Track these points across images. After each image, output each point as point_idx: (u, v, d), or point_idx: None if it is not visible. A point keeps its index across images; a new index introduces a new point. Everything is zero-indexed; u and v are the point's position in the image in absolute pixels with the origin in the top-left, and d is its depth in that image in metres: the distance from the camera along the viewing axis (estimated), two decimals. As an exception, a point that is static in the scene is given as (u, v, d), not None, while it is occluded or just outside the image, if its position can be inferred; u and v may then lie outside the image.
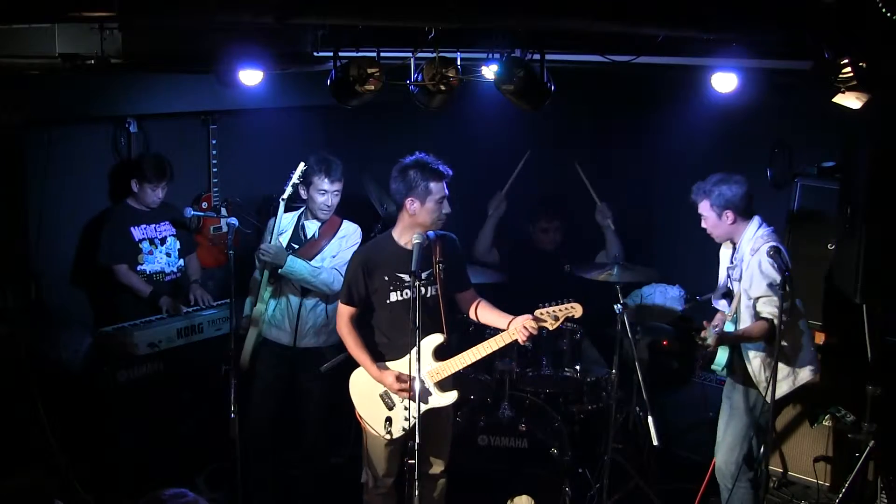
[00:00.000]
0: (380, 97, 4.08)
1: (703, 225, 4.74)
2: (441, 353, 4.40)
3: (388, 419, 4.42)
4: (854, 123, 4.02)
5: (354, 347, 4.44)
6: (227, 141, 6.01)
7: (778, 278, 4.36)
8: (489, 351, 4.36)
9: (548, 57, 4.00)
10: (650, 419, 4.70)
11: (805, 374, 4.60)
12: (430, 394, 4.37)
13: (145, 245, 5.44)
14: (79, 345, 5.07)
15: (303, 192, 5.06)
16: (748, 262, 4.51)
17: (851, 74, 3.52)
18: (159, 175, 5.35)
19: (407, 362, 4.31)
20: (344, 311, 4.46)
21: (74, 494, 4.74)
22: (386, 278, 4.38)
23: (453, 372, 4.40)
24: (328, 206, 5.05)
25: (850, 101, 3.72)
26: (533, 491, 4.95)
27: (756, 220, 4.62)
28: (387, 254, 4.40)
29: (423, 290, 4.15)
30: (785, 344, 4.44)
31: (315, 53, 4.17)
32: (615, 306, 4.96)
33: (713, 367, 4.76)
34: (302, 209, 5.17)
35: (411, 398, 4.14)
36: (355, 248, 5.05)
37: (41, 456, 4.69)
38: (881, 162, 3.98)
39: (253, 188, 6.14)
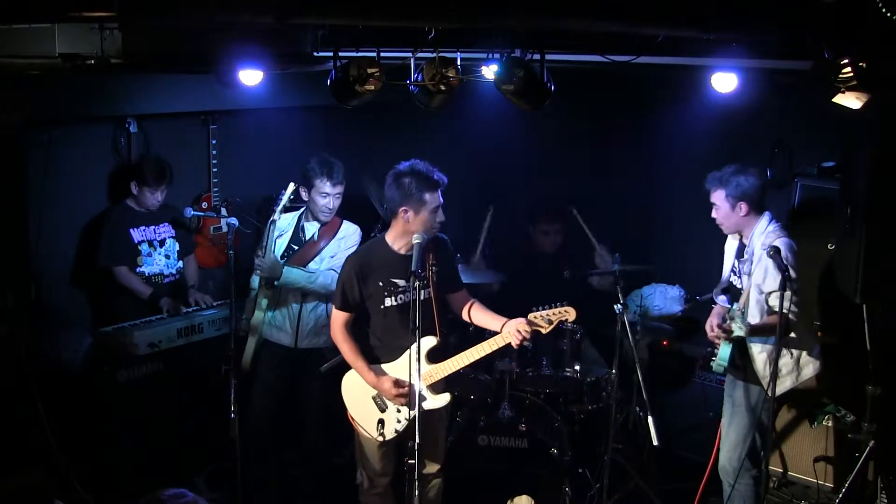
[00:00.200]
0: (380, 97, 4.08)
1: (714, 215, 4.69)
2: (434, 356, 4.40)
3: (381, 421, 4.43)
4: (854, 123, 4.01)
5: (350, 353, 4.44)
6: (227, 141, 6.01)
7: (793, 274, 4.37)
8: (482, 354, 4.36)
9: (548, 57, 4.00)
10: (650, 419, 4.69)
11: (809, 371, 4.61)
12: (424, 397, 4.36)
13: (144, 247, 5.43)
14: (79, 345, 5.07)
15: (304, 195, 5.06)
16: (759, 257, 4.50)
17: (851, 74, 3.52)
18: (159, 179, 5.34)
19: (400, 365, 4.36)
20: (339, 317, 4.44)
21: (74, 494, 4.73)
22: (380, 284, 4.37)
23: (447, 375, 4.40)
24: (330, 209, 5.04)
25: (850, 101, 3.72)
26: (533, 491, 4.95)
27: (767, 215, 4.63)
28: (381, 259, 4.39)
29: (416, 292, 4.11)
30: (794, 336, 4.43)
31: (315, 53, 4.17)
32: (615, 306, 4.96)
33: (716, 362, 4.75)
34: (302, 210, 5.17)
35: (409, 404, 4.12)
36: (354, 248, 5.05)
37: (41, 456, 4.69)
38: (881, 162, 3.97)
39: (253, 188, 6.14)
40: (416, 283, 3.97)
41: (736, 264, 4.77)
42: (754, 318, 4.54)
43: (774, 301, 4.42)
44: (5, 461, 4.48)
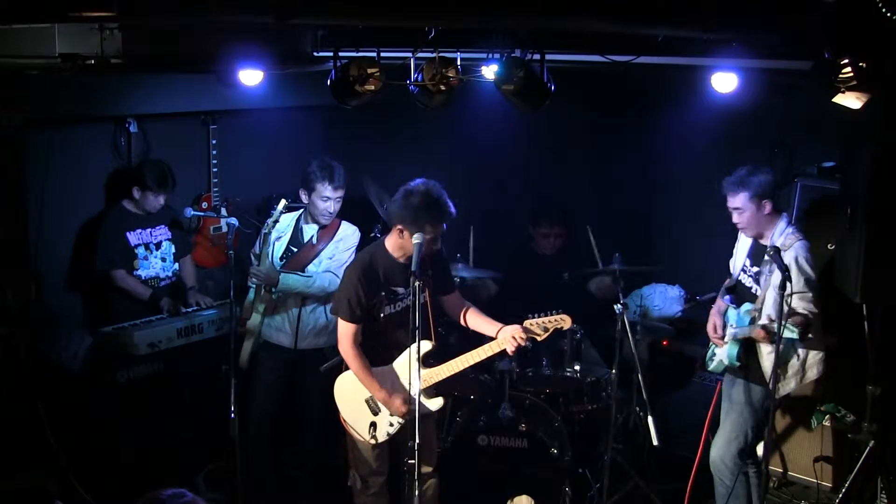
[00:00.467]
0: (380, 97, 4.08)
1: (738, 219, 4.60)
2: (428, 361, 4.39)
3: (373, 424, 4.43)
4: (854, 123, 4.01)
5: (361, 371, 4.35)
6: (227, 141, 6.01)
7: (812, 275, 4.38)
8: (478, 359, 4.35)
9: (548, 57, 4.00)
10: (650, 419, 4.70)
11: (813, 374, 4.61)
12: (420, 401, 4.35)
13: (141, 250, 5.41)
14: (78, 345, 5.07)
15: (304, 197, 5.05)
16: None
17: (851, 74, 3.52)
18: (163, 184, 5.32)
19: (393, 368, 4.38)
20: (349, 330, 4.32)
21: (74, 494, 4.74)
22: (383, 293, 4.36)
23: (441, 379, 4.39)
24: (330, 213, 5.03)
25: (850, 101, 3.71)
26: (533, 491, 4.95)
27: (784, 216, 4.63)
28: (383, 268, 4.35)
29: (414, 298, 4.06)
30: (810, 337, 4.43)
31: (315, 53, 4.17)
32: (615, 306, 4.96)
33: (718, 361, 4.75)
34: (301, 211, 5.16)
35: (409, 411, 4.10)
36: (352, 250, 5.04)
37: (41, 456, 4.69)
38: (881, 162, 3.98)
39: (253, 188, 6.15)
40: (416, 284, 3.94)
41: (747, 264, 4.75)
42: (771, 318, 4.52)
43: (796, 302, 4.41)
44: (5, 461, 4.48)
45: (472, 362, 4.36)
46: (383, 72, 3.99)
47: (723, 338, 4.73)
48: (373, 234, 5.53)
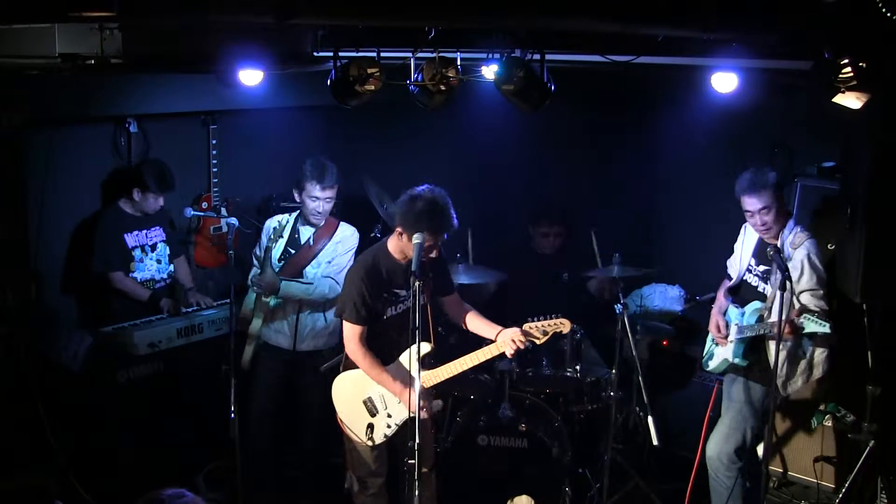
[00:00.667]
0: (380, 97, 4.07)
1: (765, 219, 4.53)
2: (428, 363, 4.40)
3: (370, 426, 4.42)
4: (854, 123, 4.01)
5: (371, 368, 4.35)
6: (227, 141, 6.01)
7: (824, 273, 4.40)
8: (477, 362, 4.35)
9: (548, 57, 4.00)
10: (650, 419, 4.70)
11: (818, 372, 4.61)
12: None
13: (137, 253, 5.39)
14: (78, 345, 5.06)
15: (296, 196, 5.04)
16: (791, 256, 4.48)
17: (851, 74, 3.52)
18: (163, 186, 5.31)
19: (393, 369, 4.37)
20: (355, 332, 4.33)
21: (74, 494, 4.74)
22: (385, 295, 4.36)
23: (440, 381, 4.39)
24: (319, 213, 5.01)
25: (850, 101, 3.71)
26: (533, 491, 4.95)
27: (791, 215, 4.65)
28: (386, 269, 4.35)
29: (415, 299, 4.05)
30: (820, 336, 4.42)
31: (315, 53, 4.17)
32: (615, 306, 4.96)
33: (720, 361, 4.75)
34: (297, 212, 5.16)
35: (412, 401, 4.10)
36: (352, 252, 5.02)
37: (41, 456, 4.69)
38: (881, 162, 3.97)
39: (253, 188, 6.14)
40: (417, 284, 3.93)
41: (753, 263, 4.74)
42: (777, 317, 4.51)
43: (808, 299, 4.41)
44: (5, 461, 4.48)
45: (471, 365, 4.35)
46: (383, 72, 3.99)
47: (726, 337, 4.73)
48: (373, 235, 5.53)
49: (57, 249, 5.32)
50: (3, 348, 4.70)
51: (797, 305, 4.45)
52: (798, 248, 4.47)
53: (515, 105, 4.08)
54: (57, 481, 4.60)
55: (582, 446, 5.37)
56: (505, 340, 4.30)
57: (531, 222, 6.12)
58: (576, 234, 6.08)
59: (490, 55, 4.18)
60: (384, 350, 4.41)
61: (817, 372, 4.61)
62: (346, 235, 5.10)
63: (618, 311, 4.94)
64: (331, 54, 4.04)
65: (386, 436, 4.43)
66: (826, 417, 5.05)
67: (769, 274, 4.62)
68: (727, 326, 4.76)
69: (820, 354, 4.59)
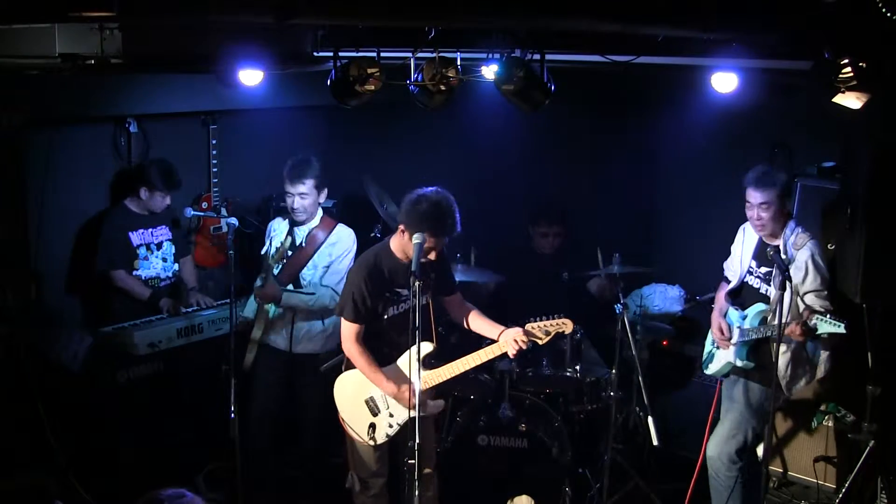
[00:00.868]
0: (380, 97, 4.07)
1: (762, 213, 4.53)
2: (429, 363, 4.39)
3: (372, 425, 4.42)
4: (854, 123, 4.01)
5: (367, 366, 4.35)
6: (227, 141, 6.01)
7: (827, 273, 4.40)
8: (479, 362, 4.35)
9: (548, 57, 3.99)
10: (650, 419, 4.70)
11: (821, 371, 4.62)
12: (421, 402, 4.33)
13: (142, 251, 5.41)
14: (78, 345, 5.06)
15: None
16: (794, 257, 4.48)
17: (851, 74, 3.52)
18: (170, 185, 5.32)
19: (394, 368, 4.37)
20: (352, 330, 4.33)
21: (74, 494, 4.74)
22: (387, 294, 4.36)
23: (442, 381, 4.39)
24: (294, 209, 4.96)
25: (850, 101, 3.71)
26: (533, 491, 4.95)
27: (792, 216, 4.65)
28: (388, 269, 4.34)
29: (415, 299, 4.02)
30: (825, 337, 4.42)
31: (315, 53, 4.17)
32: (615, 306, 4.96)
33: (724, 364, 4.74)
34: None
35: (411, 403, 4.10)
36: (348, 255, 4.98)
37: (41, 456, 4.69)
38: (881, 161, 3.98)
39: (253, 188, 6.14)
40: (416, 284, 3.92)
41: (753, 265, 4.72)
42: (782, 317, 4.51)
43: (812, 300, 4.41)
44: (5, 461, 4.48)
45: (472, 365, 4.35)
46: (383, 72, 3.99)
47: (729, 339, 4.72)
48: (373, 235, 5.53)
49: (57, 249, 5.32)
50: (3, 348, 4.70)
51: (802, 307, 4.44)
52: (801, 249, 4.46)
53: (515, 105, 4.07)
54: (57, 481, 4.60)
55: (582, 446, 5.37)
56: (507, 340, 4.30)
57: (531, 222, 6.12)
58: (576, 234, 6.08)
59: (490, 55, 4.17)
60: (385, 349, 4.41)
61: (820, 372, 4.61)
62: (342, 237, 5.04)
63: (618, 311, 4.94)
64: (331, 54, 4.04)
65: (388, 436, 4.43)
66: (826, 417, 5.06)
67: (771, 276, 4.61)
68: (729, 329, 4.75)
69: (823, 354, 4.59)
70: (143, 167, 5.44)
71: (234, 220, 5.02)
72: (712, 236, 5.33)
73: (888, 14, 3.14)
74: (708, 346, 4.92)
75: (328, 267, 4.99)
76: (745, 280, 4.76)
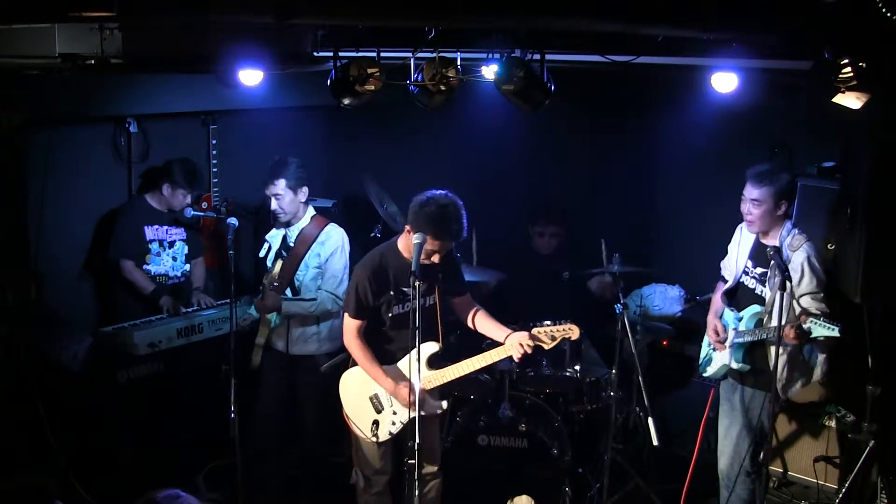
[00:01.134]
0: (380, 97, 4.07)
1: (753, 211, 4.51)
2: (434, 362, 4.40)
3: (376, 422, 4.43)
4: (854, 123, 4.01)
5: (366, 362, 4.38)
6: (227, 141, 6.01)
7: (824, 276, 4.39)
8: (485, 364, 4.37)
9: (548, 57, 3.99)
10: (650, 419, 4.69)
11: (817, 374, 4.60)
12: (423, 402, 4.34)
13: (154, 246, 5.47)
14: (78, 345, 5.07)
15: None
16: (790, 258, 4.46)
17: (851, 74, 3.52)
18: (193, 183, 5.41)
19: (399, 367, 4.37)
20: (353, 325, 4.37)
21: (74, 494, 4.74)
22: (392, 293, 4.36)
23: (446, 381, 4.39)
24: (272, 210, 4.96)
25: (850, 101, 3.71)
26: (533, 491, 4.94)
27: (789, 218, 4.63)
28: (393, 267, 4.35)
29: (421, 299, 4.01)
30: (823, 339, 4.42)
31: (315, 53, 4.17)
32: (615, 306, 4.95)
33: (721, 365, 4.73)
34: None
35: (410, 402, 4.10)
36: (339, 254, 4.96)
37: (41, 456, 4.69)
38: (881, 162, 3.98)
39: (253, 188, 6.13)
40: (416, 284, 3.93)
41: (749, 266, 4.70)
42: (776, 320, 4.49)
43: (808, 302, 4.39)
44: (5, 461, 4.48)
45: (478, 366, 4.37)
46: (383, 72, 3.99)
47: (724, 341, 4.71)
48: (373, 234, 5.53)
49: (57, 249, 5.32)
50: (3, 348, 4.70)
51: (797, 309, 4.43)
52: (797, 251, 4.44)
53: (515, 105, 4.07)
54: (57, 481, 4.60)
55: (582, 446, 5.37)
56: (513, 344, 4.31)
57: (530, 222, 6.12)
58: (576, 234, 6.07)
59: (490, 55, 4.17)
60: (391, 348, 4.41)
61: (816, 375, 4.59)
62: (331, 235, 4.99)
63: (618, 311, 4.93)
64: (331, 54, 4.04)
65: (391, 433, 4.43)
66: (826, 417, 5.05)
67: (766, 276, 4.60)
68: (725, 330, 4.74)
69: (819, 357, 4.58)
70: (168, 164, 5.50)
71: (234, 220, 5.02)
72: (712, 236, 5.31)
73: (888, 14, 3.14)
74: (705, 348, 4.91)
75: (319, 268, 4.98)
76: (741, 280, 4.75)
